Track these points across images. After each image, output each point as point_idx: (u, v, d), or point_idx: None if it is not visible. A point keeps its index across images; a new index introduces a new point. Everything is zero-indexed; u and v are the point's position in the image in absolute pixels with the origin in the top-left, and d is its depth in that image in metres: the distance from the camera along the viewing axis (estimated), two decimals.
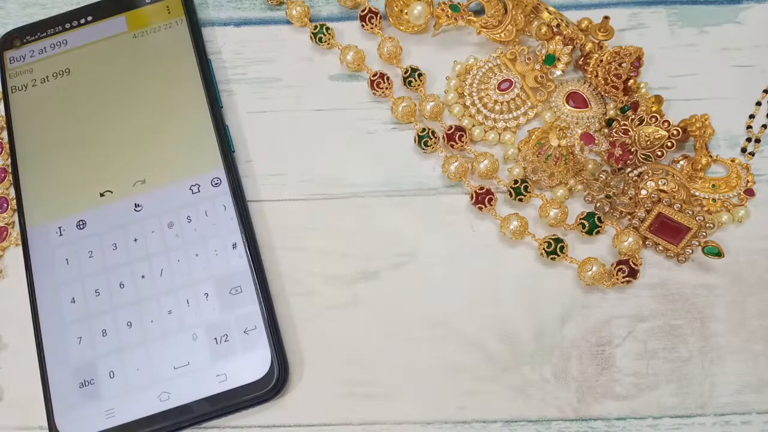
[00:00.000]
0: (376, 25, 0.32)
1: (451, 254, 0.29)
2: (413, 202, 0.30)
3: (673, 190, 0.27)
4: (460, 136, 0.30)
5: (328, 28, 0.31)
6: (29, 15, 0.34)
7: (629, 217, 0.28)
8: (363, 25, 0.32)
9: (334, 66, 0.32)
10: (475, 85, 0.31)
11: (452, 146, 0.30)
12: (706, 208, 0.28)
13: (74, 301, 0.28)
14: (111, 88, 0.31)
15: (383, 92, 0.31)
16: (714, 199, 0.28)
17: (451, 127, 0.30)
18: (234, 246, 0.28)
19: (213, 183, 0.29)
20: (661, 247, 0.28)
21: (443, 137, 0.30)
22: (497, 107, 0.30)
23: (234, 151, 0.30)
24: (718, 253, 0.27)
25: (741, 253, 0.28)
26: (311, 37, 0.32)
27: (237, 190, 0.29)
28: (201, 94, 0.30)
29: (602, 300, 0.28)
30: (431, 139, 0.30)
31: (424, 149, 0.30)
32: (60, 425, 0.26)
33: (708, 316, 0.27)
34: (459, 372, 0.27)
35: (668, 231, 0.27)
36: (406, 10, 0.31)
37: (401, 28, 0.32)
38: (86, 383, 0.27)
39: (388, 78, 0.31)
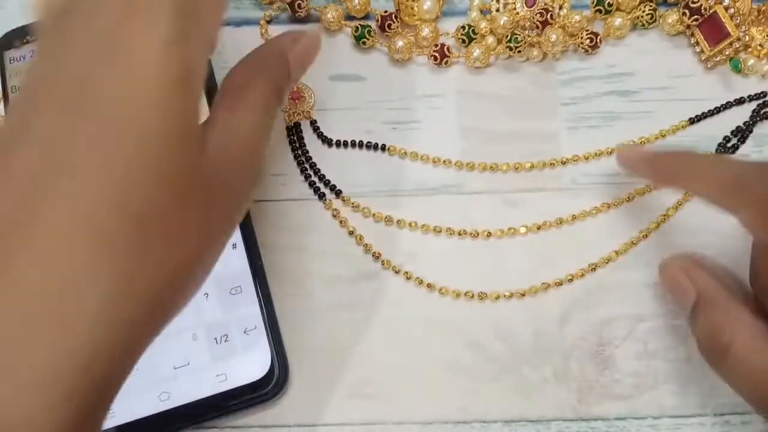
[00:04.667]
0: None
1: (451, 254, 0.29)
2: (413, 202, 0.30)
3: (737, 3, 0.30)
4: (389, 24, 0.31)
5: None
6: (29, 15, 0.34)
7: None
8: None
9: (335, 66, 0.32)
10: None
11: (387, 36, 0.31)
12: (750, 47, 0.30)
13: None
14: None
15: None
16: (761, 45, 0.30)
17: (380, 17, 0.31)
18: (234, 246, 0.28)
19: None
20: (698, 47, 0.30)
21: (377, 28, 0.31)
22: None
23: None
24: (739, 70, 0.30)
25: (741, 255, 0.28)
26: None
27: None
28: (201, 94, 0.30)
29: (602, 300, 0.28)
30: (368, 34, 0.31)
31: (363, 45, 0.31)
32: None
33: None
34: (459, 372, 0.27)
35: (712, 31, 0.30)
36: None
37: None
38: None
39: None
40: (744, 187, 0.23)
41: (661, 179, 0.28)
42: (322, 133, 0.31)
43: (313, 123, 0.31)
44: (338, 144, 0.31)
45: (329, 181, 0.30)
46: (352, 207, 0.30)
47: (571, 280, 0.28)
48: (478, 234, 0.29)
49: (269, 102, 0.21)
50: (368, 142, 0.30)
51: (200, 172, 0.18)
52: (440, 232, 0.29)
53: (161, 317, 0.18)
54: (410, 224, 0.29)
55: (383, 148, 0.30)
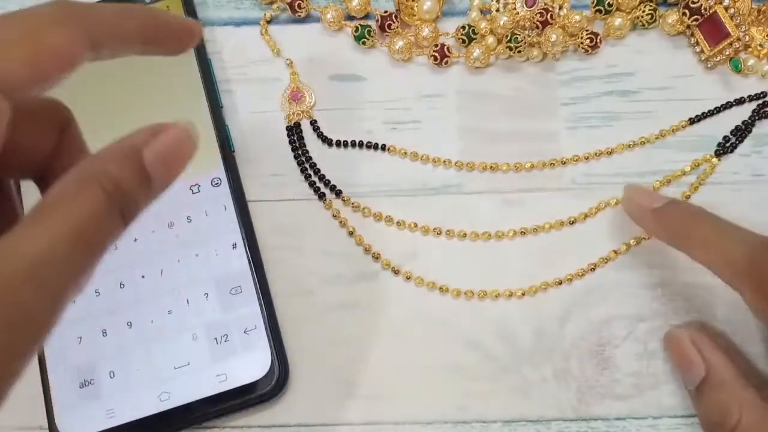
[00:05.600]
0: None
1: (451, 254, 0.29)
2: (413, 202, 0.30)
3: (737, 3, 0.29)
4: (389, 24, 0.31)
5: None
6: None
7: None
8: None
9: (335, 66, 0.32)
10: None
11: (387, 36, 0.31)
12: (750, 47, 0.30)
13: (74, 301, 0.28)
14: (110, 88, 0.31)
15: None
16: (761, 45, 0.29)
17: (380, 17, 0.31)
18: (234, 246, 0.28)
19: (213, 183, 0.29)
20: (698, 47, 0.30)
21: (377, 28, 0.31)
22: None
23: (234, 151, 0.30)
24: (739, 69, 0.30)
25: None
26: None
27: (237, 190, 0.29)
28: (201, 94, 0.30)
29: (602, 300, 0.28)
30: (368, 34, 0.31)
31: (363, 45, 0.31)
32: (60, 425, 0.26)
33: (708, 317, 0.27)
34: (459, 372, 0.27)
35: (712, 31, 0.30)
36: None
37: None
38: (86, 383, 0.27)
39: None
40: (754, 268, 0.22)
41: (664, 239, 0.26)
42: (322, 133, 0.31)
43: (313, 123, 0.31)
44: (338, 144, 0.31)
45: (329, 181, 0.30)
46: (352, 207, 0.30)
47: (570, 280, 0.28)
48: (478, 234, 0.29)
49: (93, 218, 0.16)
50: (368, 142, 0.30)
51: None
52: (440, 232, 0.29)
53: None
54: (410, 224, 0.29)
55: (383, 148, 0.30)
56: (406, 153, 0.30)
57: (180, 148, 0.18)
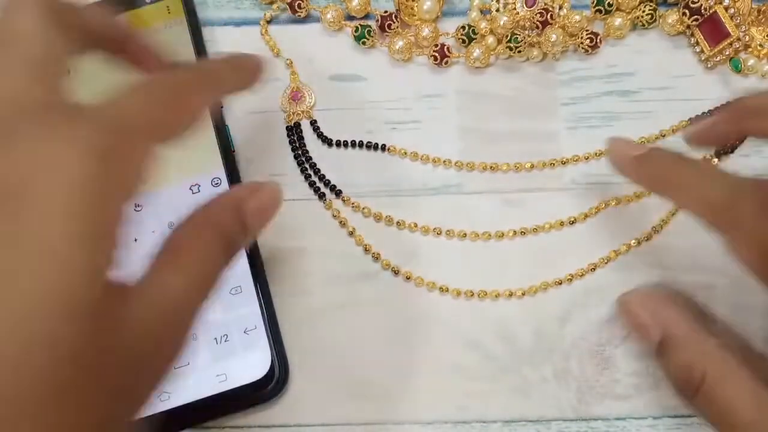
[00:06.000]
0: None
1: (451, 254, 0.29)
2: (413, 202, 0.30)
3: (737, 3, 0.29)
4: (389, 24, 0.31)
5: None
6: None
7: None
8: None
9: (335, 66, 0.32)
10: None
11: (387, 36, 0.31)
12: (750, 47, 0.30)
13: None
14: (111, 88, 0.31)
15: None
16: (761, 45, 0.29)
17: (380, 17, 0.31)
18: None
19: (213, 183, 0.29)
20: (698, 47, 0.30)
21: (377, 28, 0.31)
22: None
23: (234, 151, 0.30)
24: (739, 69, 0.30)
25: None
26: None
27: None
28: None
29: (602, 300, 0.28)
30: (368, 34, 0.31)
31: (363, 45, 0.31)
32: None
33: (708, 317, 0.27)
34: (459, 372, 0.27)
35: (712, 31, 0.30)
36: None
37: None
38: None
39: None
40: (734, 208, 0.22)
41: (646, 184, 0.26)
42: (322, 133, 0.31)
43: (313, 123, 0.31)
44: (338, 144, 0.31)
45: (329, 181, 0.30)
46: (353, 207, 0.30)
47: (570, 280, 0.28)
48: (478, 234, 0.29)
49: (213, 264, 0.19)
50: (368, 142, 0.30)
51: (109, 347, 0.16)
52: (440, 232, 0.29)
53: None
54: (410, 225, 0.29)
55: (383, 148, 0.30)
56: (406, 153, 0.30)
57: (272, 204, 0.22)
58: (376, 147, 0.31)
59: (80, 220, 0.15)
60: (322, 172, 0.30)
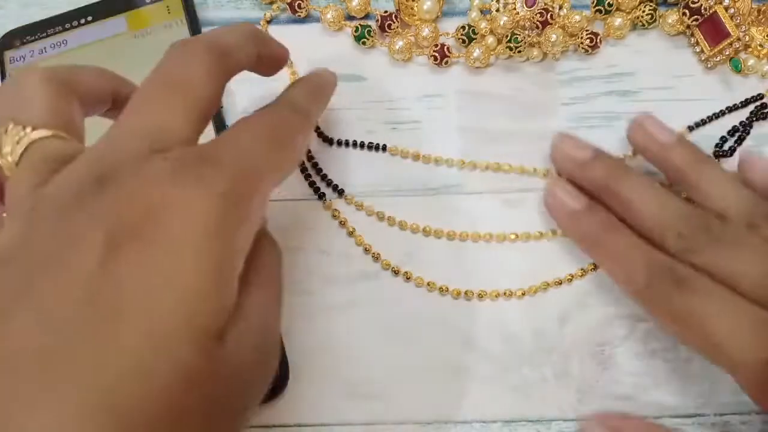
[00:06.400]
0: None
1: (451, 254, 0.29)
2: (413, 202, 0.30)
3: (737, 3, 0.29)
4: (389, 24, 0.31)
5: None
6: (29, 15, 0.34)
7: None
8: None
9: (335, 66, 0.32)
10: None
11: (387, 36, 0.31)
12: (750, 47, 0.30)
13: None
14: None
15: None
16: (761, 45, 0.29)
17: (380, 17, 0.31)
18: None
19: None
20: (698, 47, 0.30)
21: (377, 28, 0.31)
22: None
23: None
24: (739, 69, 0.30)
25: None
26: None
27: None
28: None
29: (602, 300, 0.28)
30: (368, 34, 0.31)
31: (363, 45, 0.31)
32: None
33: None
34: (459, 372, 0.27)
35: (712, 31, 0.30)
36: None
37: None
38: None
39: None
40: (649, 292, 0.25)
41: (579, 243, 0.28)
42: (322, 133, 0.31)
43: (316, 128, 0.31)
44: (339, 143, 0.31)
45: (331, 181, 0.30)
46: (355, 206, 0.30)
47: (570, 280, 0.28)
48: (479, 235, 0.29)
49: (279, 270, 0.20)
50: (368, 142, 0.30)
51: (222, 374, 0.17)
52: (440, 232, 0.29)
53: None
54: (411, 225, 0.29)
55: (383, 148, 0.30)
56: (406, 153, 0.30)
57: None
58: (377, 147, 0.31)
59: (209, 257, 0.16)
60: (324, 171, 0.30)
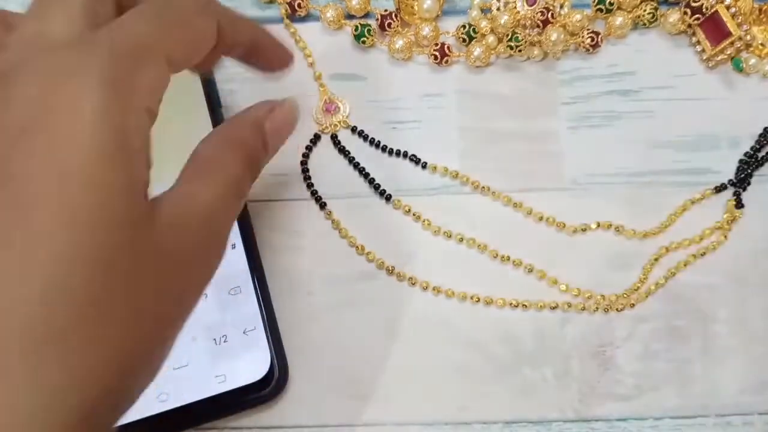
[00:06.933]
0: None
1: (450, 253, 0.29)
2: (413, 202, 0.30)
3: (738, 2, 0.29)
4: (389, 23, 0.31)
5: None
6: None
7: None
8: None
9: (335, 65, 0.32)
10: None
11: (387, 35, 0.31)
12: (752, 46, 0.30)
13: None
14: None
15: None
16: (763, 45, 0.29)
17: (380, 16, 0.31)
18: (233, 246, 0.28)
19: None
20: (700, 46, 0.30)
21: (377, 27, 0.31)
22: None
23: None
24: (741, 69, 0.30)
25: (742, 254, 0.28)
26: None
27: None
28: (201, 94, 0.30)
29: (603, 300, 0.28)
30: (367, 33, 0.31)
31: (363, 44, 0.31)
32: None
33: (710, 317, 0.27)
34: (459, 372, 0.27)
35: (713, 30, 0.30)
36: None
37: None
38: None
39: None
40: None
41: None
42: (373, 140, 0.30)
43: (354, 130, 0.31)
44: (381, 148, 0.30)
45: (379, 186, 0.30)
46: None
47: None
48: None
49: (239, 175, 0.20)
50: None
51: (147, 252, 0.17)
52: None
53: (114, 408, 0.18)
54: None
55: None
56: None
57: (289, 122, 0.23)
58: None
59: (100, 141, 0.16)
60: (371, 175, 0.30)
